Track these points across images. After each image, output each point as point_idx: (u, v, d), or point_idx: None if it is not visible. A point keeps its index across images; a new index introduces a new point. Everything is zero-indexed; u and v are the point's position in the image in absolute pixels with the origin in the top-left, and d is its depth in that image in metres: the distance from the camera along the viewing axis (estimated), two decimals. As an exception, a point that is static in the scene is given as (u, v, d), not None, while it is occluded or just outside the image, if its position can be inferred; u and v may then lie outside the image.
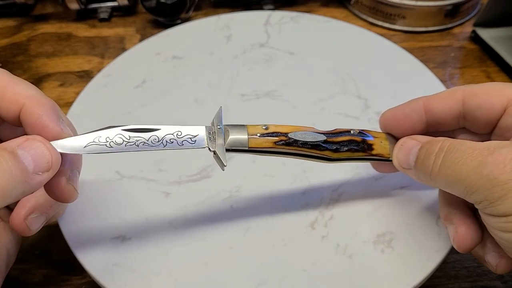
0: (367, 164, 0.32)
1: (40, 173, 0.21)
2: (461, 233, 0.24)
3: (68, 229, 0.29)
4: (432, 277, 0.27)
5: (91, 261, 0.27)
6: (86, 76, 0.45)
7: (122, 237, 0.29)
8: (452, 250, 0.27)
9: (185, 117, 0.36)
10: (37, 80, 0.45)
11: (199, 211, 0.30)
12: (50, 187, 0.23)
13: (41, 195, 0.25)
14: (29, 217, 0.25)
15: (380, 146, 0.27)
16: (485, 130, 0.26)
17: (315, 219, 0.29)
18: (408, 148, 0.25)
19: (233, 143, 0.25)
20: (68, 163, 0.23)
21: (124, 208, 0.30)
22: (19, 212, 0.25)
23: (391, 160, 0.27)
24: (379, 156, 0.27)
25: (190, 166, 0.32)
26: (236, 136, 0.25)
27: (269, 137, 0.25)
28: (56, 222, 0.29)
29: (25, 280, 0.31)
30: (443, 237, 0.28)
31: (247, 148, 0.25)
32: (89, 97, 0.38)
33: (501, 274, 0.24)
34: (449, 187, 0.22)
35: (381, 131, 0.28)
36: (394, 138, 0.28)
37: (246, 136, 0.25)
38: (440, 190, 0.26)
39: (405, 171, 0.26)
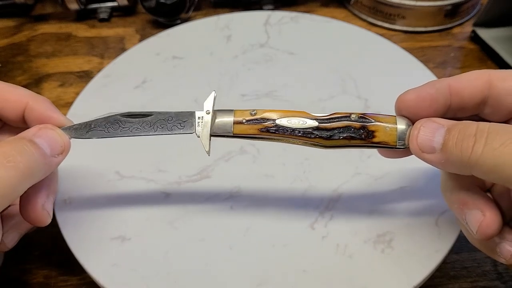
0: (367, 164, 0.32)
1: (56, 155, 0.24)
2: (489, 217, 0.22)
3: (68, 230, 0.29)
4: (432, 277, 0.27)
5: (91, 261, 0.27)
6: (86, 76, 0.45)
7: (122, 237, 0.29)
8: (452, 250, 0.27)
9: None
10: (37, 81, 0.45)
11: (199, 211, 0.30)
12: (26, 211, 0.24)
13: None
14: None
15: (385, 132, 0.24)
16: (505, 118, 0.24)
17: (315, 219, 0.29)
18: (431, 130, 0.23)
19: (217, 129, 0.25)
20: (45, 190, 0.25)
21: (124, 209, 0.30)
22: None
23: (397, 148, 0.24)
24: (382, 144, 0.24)
25: (190, 166, 0.32)
26: (221, 122, 0.25)
27: (254, 124, 0.25)
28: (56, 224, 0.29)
29: (25, 280, 0.31)
30: (443, 237, 0.28)
31: (231, 134, 0.25)
32: (89, 97, 0.38)
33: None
34: (494, 172, 0.20)
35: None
36: (409, 120, 0.25)
37: (231, 122, 0.25)
38: (453, 177, 0.24)
39: (424, 156, 0.23)
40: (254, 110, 0.25)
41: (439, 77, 0.38)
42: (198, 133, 0.25)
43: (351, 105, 0.36)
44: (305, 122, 0.24)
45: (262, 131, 0.25)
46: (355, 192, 0.31)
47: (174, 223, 0.29)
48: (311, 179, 0.32)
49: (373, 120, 0.24)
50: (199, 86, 0.39)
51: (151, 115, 0.26)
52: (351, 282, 0.26)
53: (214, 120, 0.25)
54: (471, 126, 0.21)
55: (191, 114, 0.26)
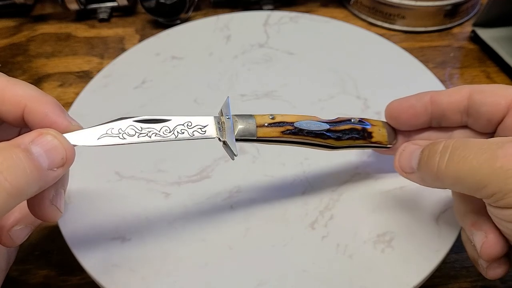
0: (367, 164, 0.32)
1: (55, 168, 0.20)
2: (491, 240, 0.23)
3: (68, 230, 0.29)
4: (432, 277, 0.27)
5: (90, 261, 0.27)
6: (85, 76, 0.45)
7: (122, 237, 0.29)
8: (452, 250, 0.27)
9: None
10: (37, 81, 0.45)
11: (199, 211, 0.30)
12: (32, 206, 0.22)
13: (26, 205, 0.23)
14: (12, 229, 0.24)
15: (379, 134, 0.28)
16: (486, 128, 0.26)
17: (315, 219, 0.29)
18: (409, 153, 0.25)
19: (242, 133, 0.25)
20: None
21: (124, 209, 0.30)
22: (3, 224, 0.23)
23: (389, 147, 0.29)
24: (378, 144, 0.29)
25: (189, 167, 0.32)
26: (245, 126, 0.25)
27: (276, 127, 0.26)
28: (55, 223, 0.29)
29: (25, 280, 0.31)
30: (443, 237, 0.28)
31: (255, 138, 0.26)
32: (88, 97, 0.38)
33: (491, 279, 0.24)
34: (458, 183, 0.22)
35: (384, 119, 0.30)
36: (391, 127, 0.29)
37: (254, 126, 0.26)
38: (465, 202, 0.25)
39: (408, 176, 0.26)
40: (271, 114, 0.26)
41: (438, 77, 0.38)
42: (222, 138, 0.25)
43: (351, 105, 0.36)
44: (318, 125, 0.27)
45: (284, 134, 0.26)
46: (355, 192, 0.31)
47: (174, 223, 0.29)
48: (310, 179, 0.32)
49: (368, 123, 0.29)
50: (199, 86, 0.39)
51: (168, 120, 0.24)
52: (351, 282, 0.26)
53: (237, 125, 0.25)
54: (439, 143, 0.23)
55: (210, 119, 0.25)
